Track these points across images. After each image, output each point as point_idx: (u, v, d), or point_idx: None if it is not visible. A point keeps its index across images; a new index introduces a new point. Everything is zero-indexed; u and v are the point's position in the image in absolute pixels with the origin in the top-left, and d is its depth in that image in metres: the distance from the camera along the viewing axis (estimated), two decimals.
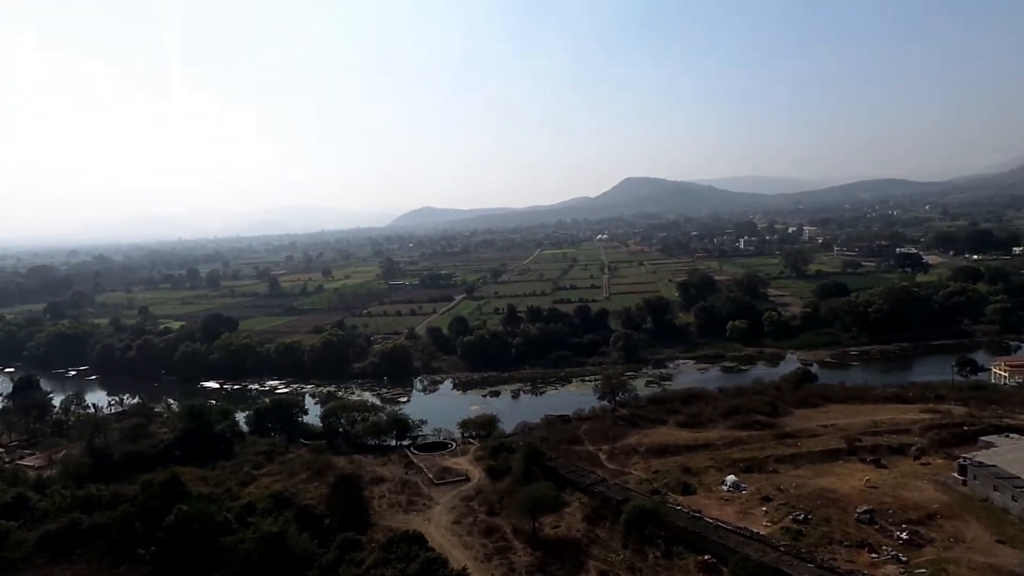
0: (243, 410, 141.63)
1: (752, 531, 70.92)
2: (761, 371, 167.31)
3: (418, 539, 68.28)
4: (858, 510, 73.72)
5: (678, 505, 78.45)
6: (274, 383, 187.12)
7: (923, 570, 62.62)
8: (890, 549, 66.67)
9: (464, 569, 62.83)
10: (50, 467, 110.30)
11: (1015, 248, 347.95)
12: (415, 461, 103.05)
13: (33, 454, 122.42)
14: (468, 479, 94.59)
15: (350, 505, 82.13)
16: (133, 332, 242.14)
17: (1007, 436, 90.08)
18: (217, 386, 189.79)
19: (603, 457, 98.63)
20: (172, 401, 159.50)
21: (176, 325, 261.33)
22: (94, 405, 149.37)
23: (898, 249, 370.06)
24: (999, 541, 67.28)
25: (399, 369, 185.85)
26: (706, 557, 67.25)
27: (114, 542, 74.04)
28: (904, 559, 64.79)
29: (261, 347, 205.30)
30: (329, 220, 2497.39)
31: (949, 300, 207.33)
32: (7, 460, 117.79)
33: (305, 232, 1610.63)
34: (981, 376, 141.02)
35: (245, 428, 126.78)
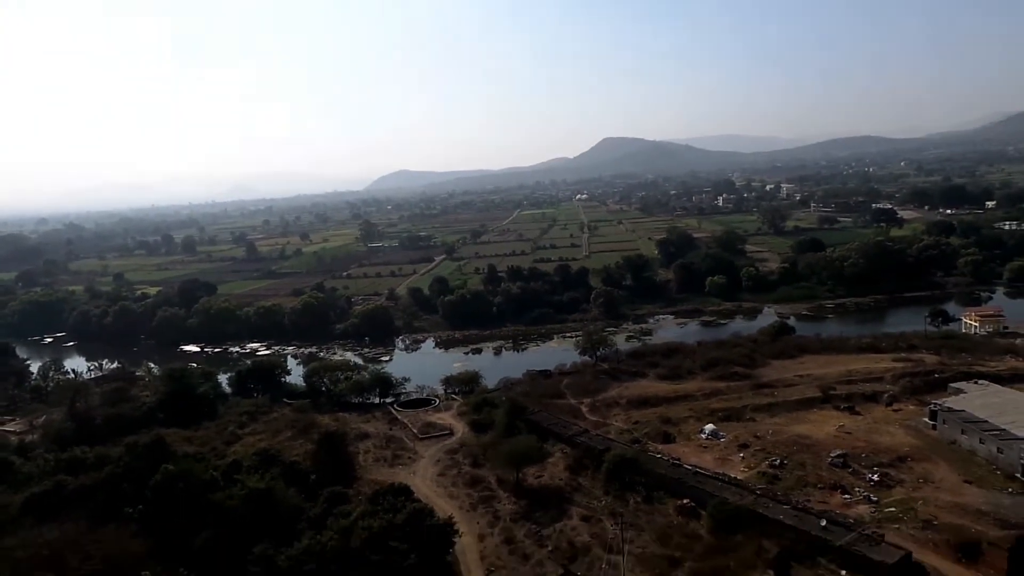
0: (225, 372, 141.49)
1: (730, 476, 72.92)
2: (739, 325, 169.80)
3: (404, 491, 69.19)
4: (832, 455, 75.91)
5: (658, 453, 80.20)
6: (255, 346, 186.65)
7: (892, 509, 64.91)
8: (862, 490, 68.97)
9: (450, 518, 63.97)
10: (32, 432, 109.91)
11: (988, 202, 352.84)
12: (399, 417, 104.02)
13: (13, 420, 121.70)
14: (452, 433, 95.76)
15: (336, 461, 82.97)
16: (109, 298, 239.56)
17: (976, 383, 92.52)
18: (197, 350, 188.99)
19: (585, 410, 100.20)
20: (153, 365, 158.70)
21: (153, 291, 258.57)
22: (73, 371, 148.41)
23: (874, 205, 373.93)
24: (966, 481, 69.75)
25: (380, 329, 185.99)
26: (685, 501, 69.08)
27: (100, 503, 74.01)
28: (875, 499, 67.08)
29: (240, 311, 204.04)
30: (305, 185, 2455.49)
31: (923, 254, 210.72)
32: None
33: (282, 197, 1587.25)
34: (952, 326, 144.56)
35: (228, 390, 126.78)
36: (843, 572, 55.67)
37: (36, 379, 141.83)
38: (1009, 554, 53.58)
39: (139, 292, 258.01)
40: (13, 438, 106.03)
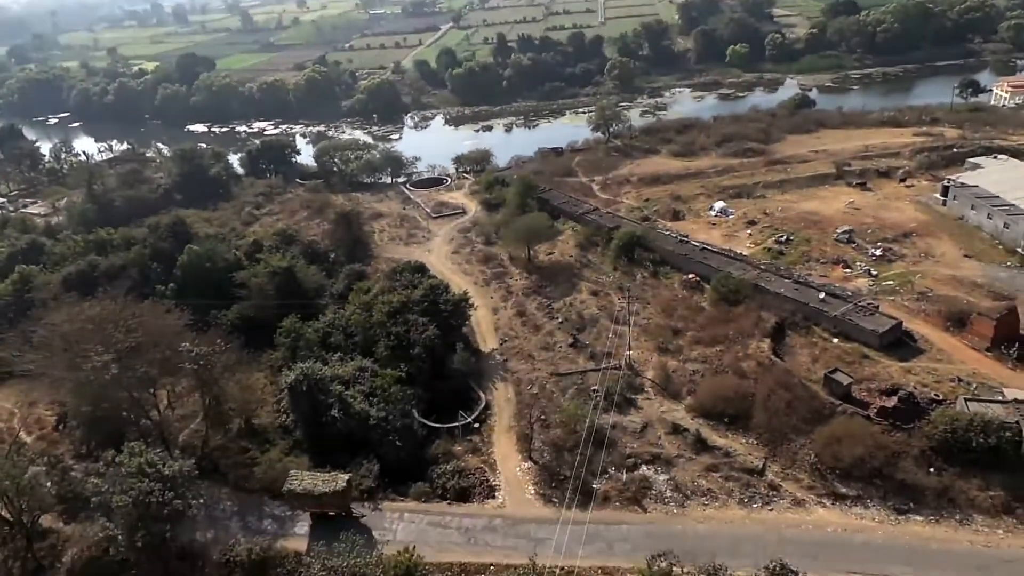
0: (234, 152, 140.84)
1: (735, 252, 74.83)
2: (759, 98, 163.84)
3: (420, 268, 72.23)
4: (838, 231, 76.96)
5: (667, 230, 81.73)
6: (262, 124, 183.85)
7: (890, 282, 67.21)
8: (863, 265, 70.83)
9: (465, 293, 67.20)
10: (55, 214, 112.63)
11: None
12: (412, 197, 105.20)
13: (35, 202, 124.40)
14: (464, 212, 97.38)
15: (352, 240, 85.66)
16: (107, 75, 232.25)
17: (995, 157, 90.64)
18: (204, 129, 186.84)
19: (596, 188, 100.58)
20: (162, 146, 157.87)
21: (150, 67, 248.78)
22: (85, 152, 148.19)
23: None
24: (966, 255, 71.05)
25: (388, 106, 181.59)
26: (690, 276, 71.65)
27: (133, 282, 77.82)
28: (875, 273, 69.15)
29: (243, 87, 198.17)
30: None
31: (964, 17, 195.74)
32: (11, 209, 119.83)
33: None
34: (982, 98, 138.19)
35: (239, 170, 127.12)
36: (835, 340, 59.18)
37: (50, 161, 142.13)
38: (996, 323, 56.40)
39: (136, 68, 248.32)
40: (39, 220, 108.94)
